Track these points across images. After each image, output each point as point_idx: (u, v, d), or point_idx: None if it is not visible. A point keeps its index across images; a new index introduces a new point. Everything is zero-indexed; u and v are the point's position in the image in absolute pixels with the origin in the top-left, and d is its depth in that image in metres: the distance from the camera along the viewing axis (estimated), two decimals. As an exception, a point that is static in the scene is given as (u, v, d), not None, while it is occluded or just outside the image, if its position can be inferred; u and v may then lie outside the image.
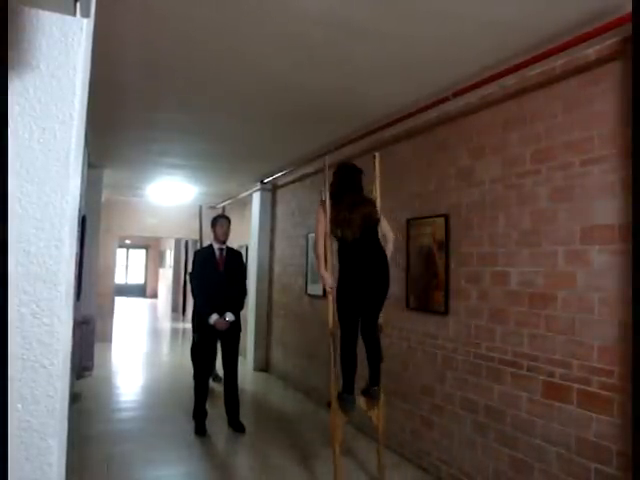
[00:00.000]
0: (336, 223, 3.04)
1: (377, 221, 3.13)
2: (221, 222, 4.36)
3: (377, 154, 3.40)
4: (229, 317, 4.13)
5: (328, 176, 3.24)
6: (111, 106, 3.90)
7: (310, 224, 5.62)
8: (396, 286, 3.95)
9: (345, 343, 3.07)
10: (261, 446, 3.95)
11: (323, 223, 3.08)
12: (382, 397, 3.20)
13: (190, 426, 4.17)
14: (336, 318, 3.10)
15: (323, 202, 3.12)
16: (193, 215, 8.09)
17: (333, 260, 3.17)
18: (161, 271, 18.13)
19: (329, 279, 3.09)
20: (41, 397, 1.07)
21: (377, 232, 3.13)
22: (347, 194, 3.11)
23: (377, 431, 3.26)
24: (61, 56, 1.14)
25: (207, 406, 4.24)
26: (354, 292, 3.03)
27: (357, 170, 3.22)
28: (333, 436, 3.01)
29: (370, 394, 3.14)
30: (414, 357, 3.70)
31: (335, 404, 3.01)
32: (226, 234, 4.35)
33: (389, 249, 3.18)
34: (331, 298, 3.13)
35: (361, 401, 3.14)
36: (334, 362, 3.11)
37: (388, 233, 3.21)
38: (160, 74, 3.22)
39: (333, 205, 3.09)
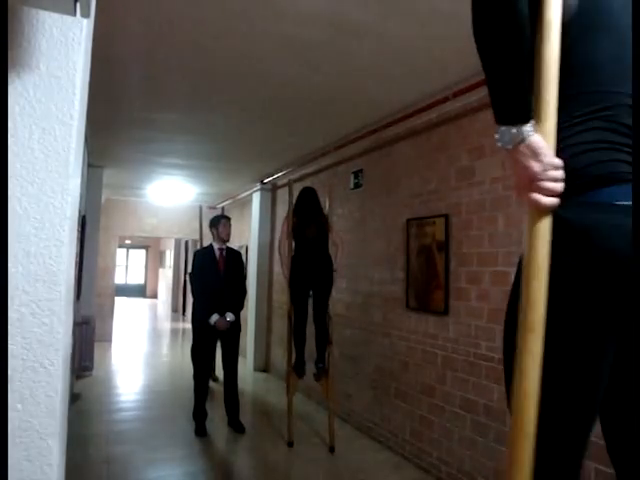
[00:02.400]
0: (295, 230, 4.07)
1: (326, 231, 4.11)
2: (224, 222, 4.38)
3: (291, 180, 4.64)
4: (230, 317, 4.13)
5: (293, 196, 4.23)
6: (111, 106, 3.90)
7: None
8: (396, 286, 3.95)
9: (296, 325, 4.04)
10: (261, 446, 3.95)
11: (286, 231, 4.12)
12: (330, 371, 4.00)
13: (190, 426, 4.17)
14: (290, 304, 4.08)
15: (287, 216, 4.18)
16: (193, 215, 8.10)
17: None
18: (161, 271, 18.14)
19: (286, 271, 4.12)
20: (41, 397, 1.07)
21: (326, 239, 4.12)
22: (305, 210, 4.10)
23: (326, 400, 4.07)
24: (61, 56, 1.14)
25: (207, 406, 4.24)
26: (301, 282, 4.03)
27: (314, 193, 4.21)
28: (288, 390, 4.07)
29: (317, 369, 4.05)
30: (414, 357, 3.70)
31: (290, 369, 4.03)
32: (229, 234, 4.38)
33: (339, 254, 4.27)
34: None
35: (312, 374, 4.11)
36: (289, 338, 4.06)
37: (336, 241, 4.23)
38: (160, 74, 3.22)
39: (295, 217, 4.10)
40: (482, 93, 3.13)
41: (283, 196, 6.64)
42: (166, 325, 12.47)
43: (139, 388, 5.98)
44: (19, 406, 1.05)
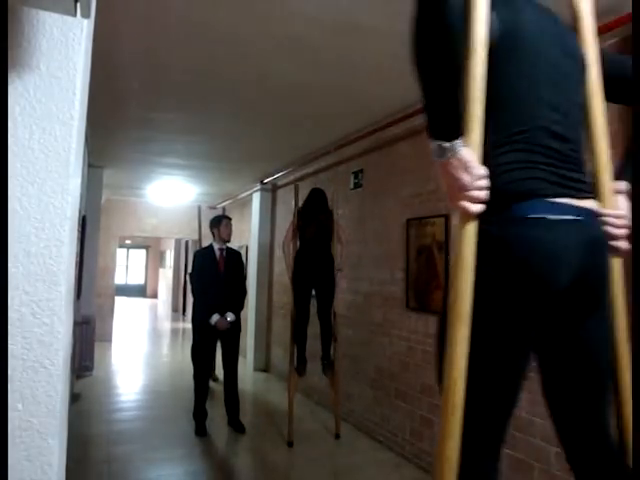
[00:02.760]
0: (300, 229, 4.22)
1: (330, 232, 4.23)
2: (226, 222, 4.39)
3: (296, 184, 4.65)
4: (230, 317, 4.13)
5: (300, 197, 4.42)
6: (111, 106, 3.90)
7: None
8: (396, 286, 3.95)
9: (297, 323, 4.14)
10: (261, 446, 3.96)
11: (291, 230, 4.29)
12: (335, 368, 4.17)
13: (190, 426, 4.17)
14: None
15: (294, 215, 4.32)
16: (193, 215, 8.10)
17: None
18: (161, 271, 18.14)
19: (290, 271, 4.28)
20: (41, 397, 1.07)
21: (329, 239, 4.23)
22: (312, 211, 4.24)
23: (332, 392, 4.19)
24: (61, 56, 1.14)
25: (207, 406, 4.24)
26: (303, 281, 4.18)
27: (323, 194, 4.32)
28: (290, 389, 4.14)
29: (322, 366, 4.23)
30: (414, 357, 3.70)
31: (291, 367, 4.14)
32: (230, 234, 4.39)
33: (343, 252, 4.35)
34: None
35: (320, 370, 4.30)
36: (291, 337, 4.17)
37: (341, 238, 4.31)
38: (160, 74, 3.22)
39: (300, 218, 4.25)
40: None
41: (283, 196, 6.64)
42: (166, 325, 12.47)
43: (139, 388, 5.98)
44: (19, 406, 1.05)
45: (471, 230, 1.04)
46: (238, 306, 4.30)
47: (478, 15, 1.02)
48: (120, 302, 14.39)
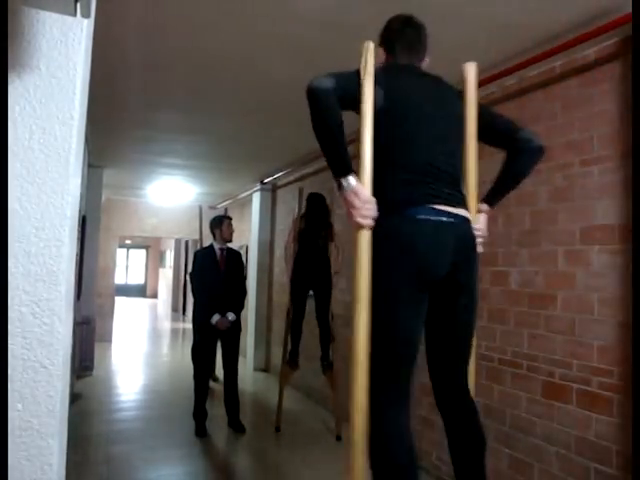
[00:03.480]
0: (300, 234, 4.32)
1: (328, 236, 4.32)
2: (228, 222, 4.40)
3: (301, 187, 4.77)
4: (231, 317, 4.14)
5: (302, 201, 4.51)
6: (111, 106, 3.90)
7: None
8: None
9: (294, 321, 4.33)
10: (261, 446, 3.95)
11: (292, 233, 4.39)
12: (334, 369, 4.26)
13: (190, 426, 4.17)
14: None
15: (295, 219, 4.45)
16: (193, 215, 8.09)
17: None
18: (161, 271, 18.14)
19: (290, 272, 4.38)
20: (41, 397, 1.07)
21: (327, 243, 4.32)
22: (312, 215, 4.32)
23: (332, 391, 4.27)
24: (61, 56, 1.14)
25: (207, 406, 4.24)
26: (301, 282, 4.29)
27: (323, 200, 4.39)
28: (281, 381, 4.38)
29: (322, 367, 4.32)
30: (414, 357, 3.69)
31: (284, 360, 4.34)
32: (232, 234, 4.40)
33: (340, 257, 4.34)
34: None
35: (320, 370, 4.41)
36: (285, 332, 4.39)
37: (338, 245, 4.35)
38: (160, 74, 3.22)
39: (304, 222, 4.32)
40: (482, 93, 3.13)
41: (283, 196, 6.64)
42: (166, 325, 12.47)
43: (139, 388, 5.98)
44: (19, 406, 1.05)
45: (365, 236, 1.47)
46: (238, 306, 4.30)
47: (365, 97, 1.52)
48: (120, 302, 14.39)
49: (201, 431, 4.10)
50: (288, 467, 3.55)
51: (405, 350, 1.49)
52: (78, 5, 1.11)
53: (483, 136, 1.79)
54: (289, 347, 4.35)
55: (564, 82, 2.63)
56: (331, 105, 1.47)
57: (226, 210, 7.49)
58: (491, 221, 3.04)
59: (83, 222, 5.11)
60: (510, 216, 2.92)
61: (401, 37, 1.73)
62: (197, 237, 6.28)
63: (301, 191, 4.58)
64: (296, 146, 5.03)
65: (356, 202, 1.44)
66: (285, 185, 6.55)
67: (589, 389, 2.41)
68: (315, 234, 4.27)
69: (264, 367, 6.83)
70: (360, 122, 1.53)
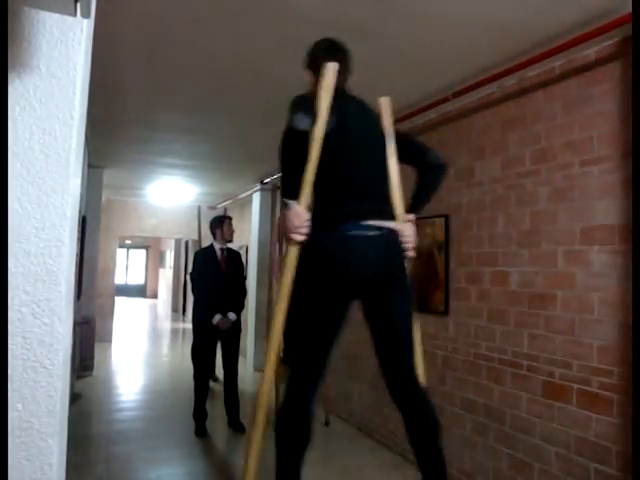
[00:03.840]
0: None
1: None
2: (229, 222, 4.41)
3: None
4: (232, 317, 4.14)
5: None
6: (111, 106, 3.90)
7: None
8: (396, 286, 3.95)
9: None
10: (261, 446, 3.95)
11: (276, 236, 4.60)
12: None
13: (190, 426, 4.17)
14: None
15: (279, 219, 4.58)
16: (193, 215, 8.09)
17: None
18: (161, 271, 18.14)
19: (277, 273, 4.67)
20: (41, 397, 1.07)
21: None
22: None
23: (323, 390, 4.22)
24: (61, 56, 1.14)
25: (207, 406, 4.24)
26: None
27: None
28: (277, 379, 4.08)
29: None
30: (414, 357, 3.70)
31: (279, 359, 4.46)
32: (232, 234, 4.41)
33: None
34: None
35: None
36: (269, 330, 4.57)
37: None
38: (160, 74, 3.22)
39: None
40: (482, 93, 3.13)
41: (283, 196, 6.63)
42: (166, 325, 12.47)
43: (139, 388, 5.98)
44: (19, 406, 1.05)
45: (294, 250, 1.75)
46: (239, 306, 4.30)
47: (317, 131, 1.70)
48: (120, 302, 14.39)
49: (201, 431, 4.10)
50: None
51: (318, 343, 1.76)
52: (78, 5, 1.11)
53: (399, 157, 2.03)
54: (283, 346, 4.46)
55: (564, 82, 2.63)
56: (305, 143, 1.70)
57: (225, 210, 7.49)
58: (491, 221, 3.06)
59: (83, 222, 5.11)
60: (510, 216, 2.92)
61: (328, 60, 1.81)
62: (197, 237, 6.29)
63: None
64: (296, 146, 5.02)
65: (295, 221, 1.71)
66: (285, 185, 6.54)
67: (589, 389, 2.41)
68: None
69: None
70: (309, 147, 1.73)
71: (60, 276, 1.10)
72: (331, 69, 1.71)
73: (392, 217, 1.90)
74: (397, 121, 3.80)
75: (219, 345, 4.30)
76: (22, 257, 1.07)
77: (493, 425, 2.95)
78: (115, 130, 4.68)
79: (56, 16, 1.13)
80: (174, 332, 11.18)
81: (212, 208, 8.53)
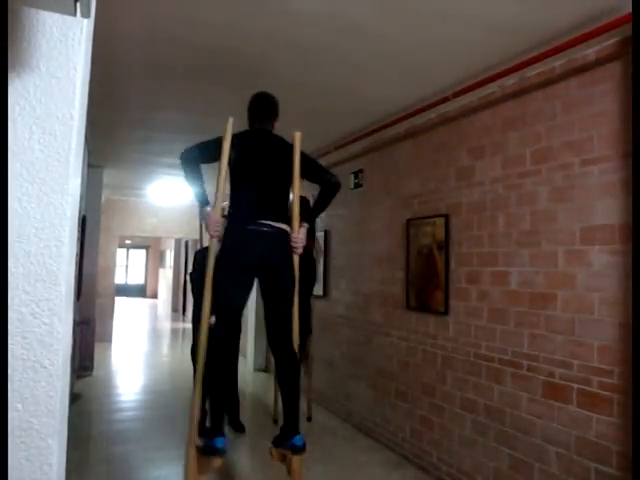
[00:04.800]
0: None
1: (312, 236, 4.71)
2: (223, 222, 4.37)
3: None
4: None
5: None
6: (111, 106, 3.90)
7: (310, 224, 5.67)
8: (396, 286, 3.95)
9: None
10: (261, 446, 3.95)
11: None
12: (309, 357, 4.64)
13: (190, 426, 4.17)
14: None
15: None
16: (193, 215, 8.07)
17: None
18: (161, 271, 18.13)
19: None
20: (41, 397, 1.07)
21: (312, 243, 4.75)
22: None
23: (306, 378, 4.50)
24: (61, 56, 1.14)
25: (207, 406, 4.23)
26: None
27: (307, 201, 5.19)
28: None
29: (299, 354, 4.96)
30: (414, 357, 3.70)
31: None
32: None
33: (319, 255, 4.96)
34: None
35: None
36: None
37: (318, 246, 4.94)
38: (160, 74, 3.22)
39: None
40: (482, 93, 3.13)
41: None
42: (166, 325, 12.47)
43: (139, 388, 5.98)
44: (19, 406, 1.05)
45: (214, 242, 2.50)
46: (238, 306, 4.29)
47: (223, 155, 2.45)
48: (120, 302, 14.38)
49: (201, 431, 4.09)
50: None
51: (227, 305, 2.44)
52: (78, 5, 1.11)
53: (306, 177, 2.64)
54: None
55: (564, 82, 2.63)
56: (193, 168, 2.48)
57: (223, 210, 7.49)
58: (491, 221, 3.06)
59: (83, 222, 5.10)
60: (510, 216, 2.92)
61: (254, 110, 2.66)
62: (197, 237, 6.28)
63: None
64: (296, 146, 5.02)
65: (210, 223, 2.49)
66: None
67: (589, 389, 2.41)
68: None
69: (264, 367, 6.83)
70: (218, 172, 2.48)
71: (60, 276, 1.10)
72: (228, 123, 2.46)
73: (287, 222, 2.53)
74: (398, 121, 3.83)
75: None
76: (22, 257, 1.07)
77: (493, 425, 2.95)
78: (115, 130, 4.68)
79: (56, 16, 1.13)
80: (174, 332, 11.18)
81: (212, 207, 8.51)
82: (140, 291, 20.19)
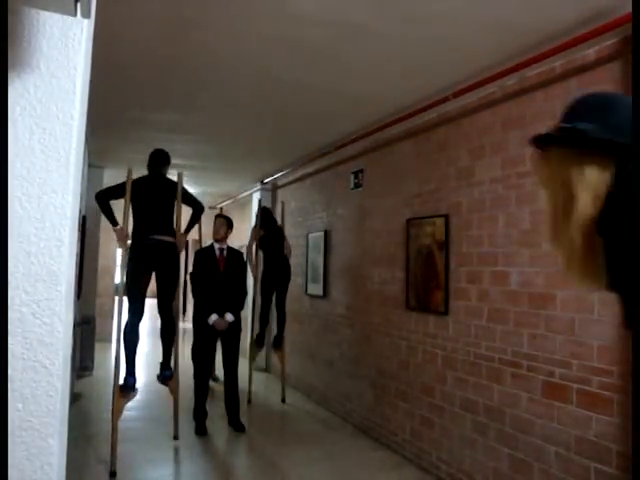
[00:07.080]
0: (261, 240, 5.34)
1: (282, 240, 5.31)
2: (219, 221, 4.35)
3: (260, 200, 6.06)
4: (229, 317, 4.13)
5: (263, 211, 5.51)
6: (111, 106, 3.90)
7: (310, 224, 5.65)
8: (396, 286, 3.95)
9: (262, 311, 5.37)
10: (261, 446, 3.95)
11: (255, 239, 5.35)
12: (285, 346, 5.39)
13: (190, 426, 4.17)
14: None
15: (255, 227, 5.45)
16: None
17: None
18: (161, 271, 18.07)
19: (255, 272, 5.35)
20: (41, 397, 1.07)
21: (282, 245, 5.27)
22: (267, 224, 5.38)
23: (280, 364, 5.38)
24: (61, 56, 1.14)
25: (207, 406, 4.24)
26: (268, 279, 5.29)
27: (270, 211, 5.75)
28: (250, 359, 5.43)
29: (274, 339, 5.46)
30: (414, 357, 3.70)
31: (252, 340, 5.43)
32: (219, 232, 4.33)
33: (290, 255, 5.33)
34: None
35: (272, 348, 5.72)
36: (252, 318, 5.62)
37: (288, 247, 5.31)
38: (161, 74, 3.22)
39: (262, 230, 5.36)
40: (482, 93, 3.13)
41: (284, 196, 6.64)
42: (166, 325, 12.44)
43: (139, 388, 5.96)
44: (20, 406, 1.05)
45: (121, 250, 3.94)
46: (238, 306, 4.29)
47: (126, 197, 3.75)
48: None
49: (201, 431, 4.10)
50: (288, 467, 3.55)
51: (132, 291, 3.76)
52: (78, 5, 1.11)
53: (185, 203, 3.95)
54: (258, 330, 5.41)
55: (564, 82, 2.63)
56: (103, 203, 3.75)
57: (221, 209, 7.49)
58: (491, 221, 3.06)
59: (83, 222, 5.10)
60: (510, 216, 2.92)
61: (151, 161, 3.99)
62: (197, 237, 6.28)
63: (259, 203, 5.67)
64: (296, 146, 5.03)
65: (119, 235, 3.72)
66: (285, 185, 6.55)
67: (589, 389, 2.41)
68: (275, 240, 5.24)
69: (264, 367, 6.83)
70: (124, 205, 3.73)
71: (60, 276, 1.10)
72: (128, 173, 3.73)
73: (169, 235, 3.83)
74: (398, 121, 3.83)
75: (219, 345, 4.30)
76: (22, 257, 1.07)
77: (493, 425, 2.95)
78: (115, 130, 4.68)
79: (56, 16, 1.13)
80: (174, 332, 11.16)
81: (212, 208, 8.52)
82: (140, 291, 20.12)
